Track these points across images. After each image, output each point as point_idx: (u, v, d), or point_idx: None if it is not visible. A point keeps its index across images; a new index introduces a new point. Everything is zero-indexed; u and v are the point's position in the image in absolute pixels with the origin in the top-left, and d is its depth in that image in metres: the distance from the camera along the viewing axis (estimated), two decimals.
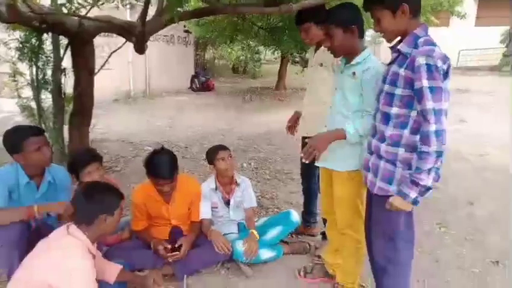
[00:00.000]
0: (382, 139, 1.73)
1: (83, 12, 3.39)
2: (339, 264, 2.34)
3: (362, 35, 2.01)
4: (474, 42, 17.50)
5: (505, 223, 3.35)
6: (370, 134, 1.86)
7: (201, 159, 4.90)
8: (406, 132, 1.65)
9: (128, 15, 8.48)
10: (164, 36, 11.21)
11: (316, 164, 2.24)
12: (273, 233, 2.72)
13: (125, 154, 5.07)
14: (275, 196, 3.88)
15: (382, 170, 1.74)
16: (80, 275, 1.64)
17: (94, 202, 1.78)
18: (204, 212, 2.68)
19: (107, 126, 6.61)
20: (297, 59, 11.45)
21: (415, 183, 1.57)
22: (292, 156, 5.16)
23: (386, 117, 1.71)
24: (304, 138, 2.81)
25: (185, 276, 2.40)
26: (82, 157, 2.47)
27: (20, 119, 6.38)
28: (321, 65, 2.53)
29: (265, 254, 2.61)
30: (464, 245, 2.99)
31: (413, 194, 1.59)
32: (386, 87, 1.71)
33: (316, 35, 2.49)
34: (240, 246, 2.52)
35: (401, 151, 1.67)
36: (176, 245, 2.48)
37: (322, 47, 2.50)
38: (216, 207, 2.73)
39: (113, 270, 2.07)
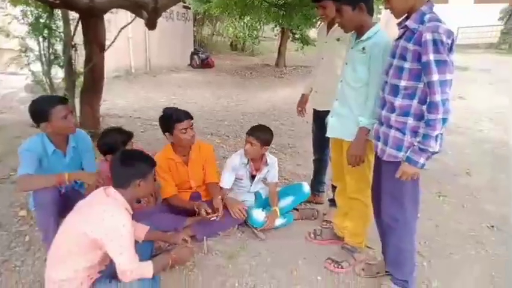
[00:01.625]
0: (392, 109, 1.86)
1: None
2: (347, 226, 2.52)
3: (371, 11, 2.12)
4: (473, 20, 17.45)
5: (498, 191, 3.57)
6: (378, 106, 1.99)
7: (207, 134, 5.03)
8: (415, 102, 1.78)
9: None
10: (164, 12, 11.09)
11: (328, 135, 2.40)
12: (286, 202, 2.91)
13: (134, 129, 5.15)
14: (283, 168, 4.04)
15: (392, 138, 1.87)
16: (121, 230, 1.79)
17: (129, 167, 1.91)
18: (226, 181, 2.85)
19: (111, 102, 6.69)
20: (297, 36, 11.41)
21: (424, 150, 1.72)
22: (297, 131, 5.32)
23: (395, 89, 1.83)
24: (316, 110, 2.94)
25: (205, 238, 2.59)
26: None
27: (25, 95, 6.47)
28: (338, 39, 2.63)
29: (278, 221, 2.80)
30: (462, 211, 3.21)
31: (422, 160, 1.74)
32: (395, 61, 1.83)
33: (332, 11, 2.58)
34: (256, 214, 2.72)
35: (410, 120, 1.80)
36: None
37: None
38: (241, 179, 2.91)
39: (142, 230, 2.23)
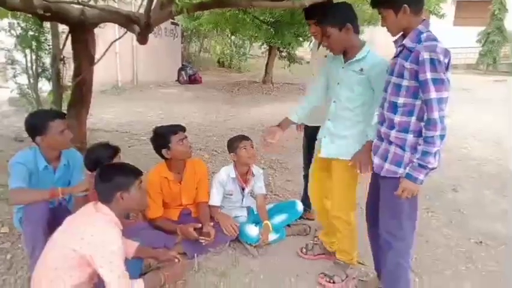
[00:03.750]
0: (391, 126, 1.89)
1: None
2: (334, 242, 2.53)
3: (357, 30, 2.15)
4: (452, 41, 17.99)
5: (484, 207, 3.64)
6: (378, 122, 2.02)
7: (196, 149, 4.99)
8: (413, 119, 1.81)
9: (116, 5, 8.40)
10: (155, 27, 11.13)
11: (321, 155, 2.37)
12: (279, 219, 2.90)
13: (121, 144, 5.06)
14: (272, 184, 4.04)
15: (392, 154, 1.89)
16: (111, 245, 1.74)
17: (108, 181, 1.88)
18: (216, 199, 2.81)
19: (98, 116, 6.59)
20: (284, 54, 11.58)
21: (423, 167, 1.75)
22: (285, 147, 5.33)
23: (394, 106, 1.87)
24: (307, 126, 2.96)
25: (195, 255, 2.53)
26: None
27: (8, 108, 6.33)
28: (326, 56, 2.67)
29: (270, 236, 2.77)
30: (450, 227, 3.24)
31: (421, 176, 1.76)
32: (393, 79, 1.86)
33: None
34: (249, 230, 2.69)
35: (410, 136, 1.83)
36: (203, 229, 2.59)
37: None
38: (231, 195, 2.88)
39: (131, 246, 2.16)
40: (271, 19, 5.90)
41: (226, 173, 2.85)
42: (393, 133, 1.88)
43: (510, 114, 7.41)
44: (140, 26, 3.41)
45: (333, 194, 2.38)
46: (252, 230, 2.70)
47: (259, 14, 5.36)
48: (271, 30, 6.35)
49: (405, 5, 1.78)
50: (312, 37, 2.85)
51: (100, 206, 1.85)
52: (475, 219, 3.38)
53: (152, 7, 3.18)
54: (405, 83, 1.80)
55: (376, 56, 2.15)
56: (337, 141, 2.28)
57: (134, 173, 1.95)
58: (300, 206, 2.99)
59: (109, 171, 1.95)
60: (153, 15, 3.23)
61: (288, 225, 2.98)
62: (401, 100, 1.83)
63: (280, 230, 2.88)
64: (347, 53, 2.19)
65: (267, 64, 12.35)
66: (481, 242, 2.98)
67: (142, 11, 3.25)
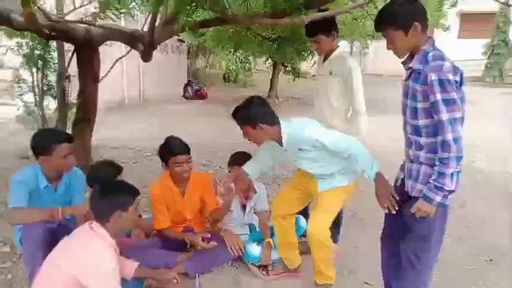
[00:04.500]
0: (419, 147, 1.82)
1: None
2: (296, 256, 2.58)
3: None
4: (457, 54, 18.00)
5: (493, 223, 3.55)
6: (406, 145, 1.94)
7: (200, 165, 4.99)
8: (439, 138, 1.72)
9: (123, 23, 8.57)
10: (159, 44, 11.31)
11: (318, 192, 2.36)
12: None
13: (126, 160, 5.12)
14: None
15: (422, 174, 1.82)
16: (105, 267, 1.71)
17: (106, 199, 1.86)
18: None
19: (104, 133, 6.63)
20: (288, 69, 11.66)
21: (439, 188, 1.69)
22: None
23: (417, 129, 1.81)
24: None
25: (197, 275, 2.49)
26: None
27: (15, 126, 6.41)
28: (330, 73, 2.67)
29: (274, 254, 2.71)
30: (460, 245, 3.15)
31: (438, 198, 1.70)
32: (409, 102, 1.82)
33: (327, 44, 2.65)
34: (251, 249, 2.65)
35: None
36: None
37: (331, 56, 2.67)
38: (231, 211, 2.85)
39: (131, 267, 2.13)
40: (273, 35, 5.98)
41: None
42: (422, 154, 1.81)
43: None
44: (144, 44, 3.45)
45: (315, 215, 2.32)
46: (254, 249, 2.66)
47: (261, 30, 5.44)
48: (274, 46, 6.42)
49: (416, 23, 1.73)
50: (320, 55, 2.84)
51: (95, 226, 1.82)
52: (484, 235, 3.30)
53: (156, 25, 3.23)
54: (420, 105, 1.76)
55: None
56: (328, 180, 2.31)
57: (133, 192, 1.93)
58: (303, 221, 2.92)
59: (109, 189, 1.93)
60: (157, 33, 3.27)
61: None
62: (421, 122, 1.78)
63: None
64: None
65: (271, 79, 12.44)
66: (491, 260, 2.90)
67: (146, 28, 3.30)
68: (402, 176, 1.97)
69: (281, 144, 2.23)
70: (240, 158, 2.83)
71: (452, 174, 1.68)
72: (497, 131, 7.49)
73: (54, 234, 2.14)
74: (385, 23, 1.81)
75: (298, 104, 11.23)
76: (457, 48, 18.44)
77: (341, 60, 2.59)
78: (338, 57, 2.64)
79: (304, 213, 3.13)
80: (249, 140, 2.29)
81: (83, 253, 1.73)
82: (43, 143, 2.20)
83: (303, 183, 2.45)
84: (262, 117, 2.19)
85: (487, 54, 17.20)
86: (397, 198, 1.96)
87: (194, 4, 2.65)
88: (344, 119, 2.69)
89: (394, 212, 1.95)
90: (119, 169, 2.53)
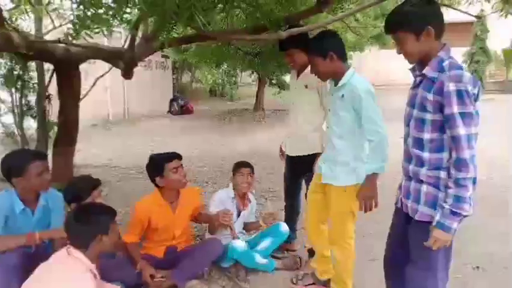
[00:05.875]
0: (421, 163, 1.67)
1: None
2: (329, 269, 2.47)
3: (343, 58, 2.18)
4: None
5: (479, 230, 3.56)
6: (404, 160, 1.80)
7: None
8: (445, 154, 1.61)
9: (106, 41, 8.55)
10: (142, 61, 11.30)
11: (323, 182, 2.35)
12: (265, 244, 2.86)
13: (110, 179, 5.04)
14: (263, 214, 3.95)
15: (425, 195, 1.66)
16: None
17: (86, 224, 1.81)
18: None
19: (87, 151, 6.54)
20: (274, 81, 11.76)
21: (457, 214, 1.53)
22: (276, 175, 5.28)
23: (420, 143, 1.67)
24: (288, 156, 2.93)
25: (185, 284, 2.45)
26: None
27: None
28: (306, 86, 2.69)
29: (259, 258, 2.74)
30: None
31: (455, 225, 1.55)
32: (415, 112, 1.67)
33: (300, 59, 2.68)
34: (235, 243, 2.67)
35: (443, 174, 1.61)
36: (160, 276, 2.49)
37: (306, 70, 2.69)
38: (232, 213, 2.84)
39: None
40: (253, 50, 6.07)
41: (226, 192, 2.94)
42: (423, 171, 1.66)
43: (500, 133, 7.46)
44: (125, 61, 3.44)
45: (331, 221, 2.36)
46: (238, 243, 2.69)
47: (242, 45, 5.52)
48: (255, 60, 6.52)
49: (430, 27, 1.58)
50: (294, 68, 2.87)
51: (73, 251, 1.77)
52: (472, 243, 3.30)
53: (136, 43, 3.22)
54: (429, 116, 1.60)
55: (356, 81, 2.13)
56: (332, 167, 2.27)
57: (110, 213, 1.89)
58: (284, 227, 2.92)
59: (86, 212, 1.88)
60: (137, 51, 3.26)
61: (278, 258, 2.91)
62: (426, 136, 1.63)
63: (269, 260, 2.82)
64: (335, 79, 2.23)
65: (257, 92, 12.52)
66: (477, 268, 2.90)
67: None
68: (401, 196, 1.83)
69: (336, 83, 2.20)
70: (244, 163, 2.98)
71: (470, 197, 1.53)
72: (480, 138, 7.61)
73: (32, 259, 2.06)
74: (395, 24, 1.67)
75: (284, 116, 11.29)
76: None
77: None
78: None
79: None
80: (317, 75, 2.24)
81: (59, 281, 1.67)
82: (14, 164, 2.14)
83: (318, 186, 2.42)
84: (335, 48, 2.14)
85: (467, 62, 17.65)
86: (377, 206, 1.95)
87: (173, 22, 2.65)
88: (319, 131, 2.68)
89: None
90: (95, 183, 2.47)
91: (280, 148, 3.12)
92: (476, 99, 1.55)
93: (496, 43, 16.59)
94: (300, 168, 2.83)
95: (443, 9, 2.44)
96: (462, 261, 2.98)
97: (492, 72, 18.27)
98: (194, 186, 3.09)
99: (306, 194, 2.84)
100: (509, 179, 5.06)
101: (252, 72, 11.23)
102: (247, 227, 3.06)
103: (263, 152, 6.74)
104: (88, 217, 1.84)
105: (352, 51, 9.33)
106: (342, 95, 2.14)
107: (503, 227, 3.61)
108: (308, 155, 2.68)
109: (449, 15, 2.17)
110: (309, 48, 2.23)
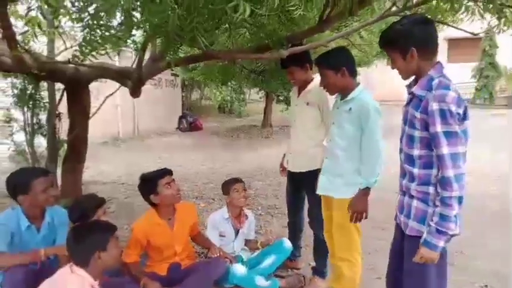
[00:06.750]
0: (411, 179, 1.71)
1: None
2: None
3: (354, 74, 2.25)
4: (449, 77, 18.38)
5: (486, 247, 3.51)
6: (400, 175, 1.83)
7: (192, 198, 4.96)
8: (434, 171, 1.62)
9: (117, 61, 8.78)
10: (152, 79, 11.52)
11: (317, 192, 2.43)
12: (268, 262, 2.82)
13: (118, 196, 5.10)
14: (269, 231, 3.95)
15: (414, 210, 1.69)
16: None
17: (83, 242, 1.85)
18: (213, 240, 2.84)
19: (97, 168, 6.64)
20: (281, 98, 11.85)
21: (443, 233, 1.53)
22: (282, 191, 5.26)
23: (410, 159, 1.70)
24: (290, 172, 2.95)
25: None
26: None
27: (8, 165, 6.40)
28: (307, 103, 2.73)
29: (260, 281, 2.68)
30: (453, 270, 3.08)
31: (441, 244, 1.55)
32: (407, 129, 1.71)
33: (300, 76, 2.73)
34: (235, 268, 2.65)
35: (431, 189, 1.63)
36: None
37: (307, 87, 2.74)
38: (224, 236, 2.88)
39: None
40: (257, 68, 6.19)
41: (220, 214, 2.94)
42: (413, 186, 1.69)
43: (507, 149, 7.37)
44: (133, 80, 3.52)
45: (334, 234, 2.37)
46: (239, 268, 2.64)
47: (247, 64, 5.65)
48: (260, 78, 6.64)
49: (413, 48, 1.62)
50: (295, 85, 2.92)
51: (75, 268, 1.80)
52: (477, 260, 3.25)
53: (144, 63, 3.31)
54: (417, 133, 1.64)
55: (365, 97, 2.20)
56: (331, 179, 2.32)
57: (109, 229, 1.92)
58: (287, 244, 2.87)
59: (83, 231, 1.92)
60: (144, 70, 3.34)
61: (282, 276, 2.89)
62: (416, 152, 1.66)
63: (272, 279, 2.78)
64: (342, 94, 2.29)
65: (265, 108, 12.62)
66: (486, 286, 2.84)
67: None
68: (397, 211, 1.86)
69: (343, 98, 2.26)
70: (235, 179, 3.00)
71: (455, 216, 1.54)
72: (489, 152, 7.53)
73: (37, 275, 2.10)
74: (384, 42, 1.75)
75: None
76: (448, 71, 18.80)
77: (316, 91, 2.64)
78: (313, 88, 2.70)
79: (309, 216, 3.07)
80: (326, 88, 2.32)
81: None
82: (19, 182, 2.19)
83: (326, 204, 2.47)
84: (347, 64, 2.23)
85: (476, 77, 17.57)
86: (366, 218, 2.04)
87: (179, 42, 2.74)
88: (321, 147, 2.68)
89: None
90: (100, 202, 2.51)
91: (281, 164, 3.14)
92: (464, 119, 1.56)
93: (505, 58, 16.49)
94: (301, 184, 2.85)
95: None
96: (469, 279, 2.94)
97: (503, 87, 18.11)
98: (189, 202, 3.11)
99: (308, 210, 2.86)
100: None
101: (260, 89, 11.36)
102: (248, 245, 3.04)
103: (270, 168, 6.75)
104: (83, 235, 1.88)
105: (359, 67, 9.44)
106: (350, 108, 2.20)
107: (508, 244, 3.54)
108: (310, 170, 2.69)
109: (457, 31, 2.22)
110: (322, 62, 2.28)
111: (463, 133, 1.56)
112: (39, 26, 2.81)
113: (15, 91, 4.38)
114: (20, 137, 4.51)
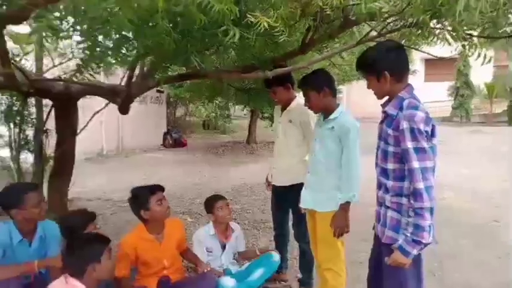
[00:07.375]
0: (386, 190, 1.84)
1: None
2: None
3: (334, 93, 2.43)
4: (426, 96, 18.92)
5: (463, 258, 3.66)
6: (377, 187, 1.97)
7: (179, 213, 4.99)
8: (406, 183, 1.75)
9: (102, 78, 8.80)
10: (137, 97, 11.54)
11: (300, 205, 2.55)
12: (256, 275, 2.86)
13: (103, 212, 5.08)
14: (256, 245, 4.02)
15: (389, 219, 1.82)
16: None
17: (77, 255, 1.90)
18: (201, 258, 2.86)
19: (81, 185, 6.55)
20: (266, 115, 12.03)
21: (417, 242, 1.66)
22: (268, 206, 5.34)
23: (384, 172, 1.85)
24: (274, 186, 3.08)
25: None
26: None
27: None
28: (290, 121, 2.89)
29: None
30: (434, 281, 3.23)
31: (415, 252, 1.69)
32: (382, 144, 1.86)
33: (283, 95, 2.89)
34: (224, 281, 2.67)
35: (404, 200, 1.76)
36: None
37: (289, 106, 2.89)
38: (211, 252, 2.92)
39: None
40: (244, 86, 6.40)
41: (205, 230, 2.98)
42: (388, 197, 1.83)
43: (486, 164, 7.68)
44: (122, 98, 3.60)
45: (318, 245, 2.48)
46: (228, 281, 2.67)
47: (233, 82, 5.82)
48: (245, 96, 6.84)
49: (386, 72, 1.78)
50: (278, 104, 3.09)
51: (70, 279, 1.84)
52: (456, 271, 3.40)
53: (133, 80, 3.40)
54: (391, 149, 1.79)
55: (347, 117, 2.37)
56: (314, 194, 2.45)
57: (103, 241, 1.97)
58: (276, 257, 2.93)
59: (77, 244, 1.97)
60: (134, 88, 3.43)
61: None
62: (390, 166, 1.81)
63: None
64: (325, 112, 2.44)
65: (250, 125, 12.76)
66: None
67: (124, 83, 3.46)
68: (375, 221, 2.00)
69: (326, 116, 2.39)
70: (217, 196, 3.04)
71: (430, 226, 1.66)
72: (466, 168, 7.83)
73: (32, 286, 2.13)
74: (360, 65, 1.92)
75: None
76: (425, 90, 19.51)
77: (298, 109, 2.80)
78: (296, 107, 2.87)
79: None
80: (310, 107, 2.47)
81: None
82: (12, 196, 2.23)
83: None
84: (328, 84, 2.38)
85: (453, 96, 18.26)
86: (347, 232, 2.16)
87: (169, 62, 2.85)
88: (303, 163, 2.81)
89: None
90: (91, 216, 2.55)
91: (266, 178, 3.26)
92: (432, 136, 1.72)
93: (478, 78, 17.25)
94: (285, 198, 2.96)
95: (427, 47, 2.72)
96: None
97: (478, 105, 18.88)
98: (176, 218, 3.16)
99: (293, 223, 2.97)
100: (494, 209, 5.20)
101: (245, 106, 11.53)
102: (246, 256, 3.09)
103: (255, 183, 6.84)
104: (79, 247, 1.93)
105: (341, 85, 9.75)
106: (332, 127, 2.35)
107: (485, 256, 3.71)
108: (293, 184, 2.82)
109: (436, 51, 2.44)
110: (305, 84, 2.46)
111: (431, 149, 1.70)
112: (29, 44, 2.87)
113: (2, 107, 4.39)
114: (6, 152, 4.48)
